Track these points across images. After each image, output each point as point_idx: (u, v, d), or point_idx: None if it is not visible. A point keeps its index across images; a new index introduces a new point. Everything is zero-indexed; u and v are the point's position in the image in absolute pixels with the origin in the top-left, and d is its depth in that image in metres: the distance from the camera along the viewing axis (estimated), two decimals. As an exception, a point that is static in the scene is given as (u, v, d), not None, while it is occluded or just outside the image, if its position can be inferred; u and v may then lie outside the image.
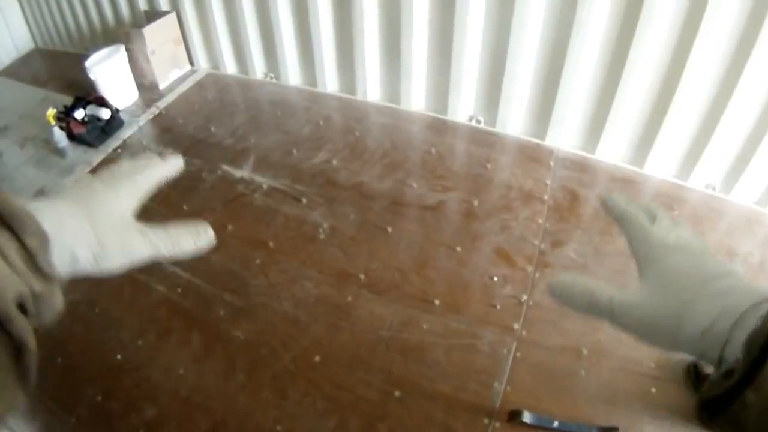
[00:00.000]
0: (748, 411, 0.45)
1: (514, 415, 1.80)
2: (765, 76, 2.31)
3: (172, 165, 0.77)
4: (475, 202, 2.62)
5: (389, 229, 2.50)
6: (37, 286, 0.53)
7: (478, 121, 3.17)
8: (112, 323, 2.30)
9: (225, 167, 3.02)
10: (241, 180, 2.91)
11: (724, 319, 0.49)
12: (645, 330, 0.54)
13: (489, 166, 2.83)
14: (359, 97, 3.50)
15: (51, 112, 3.41)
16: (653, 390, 1.88)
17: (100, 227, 0.61)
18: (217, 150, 3.18)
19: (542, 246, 2.39)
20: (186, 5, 3.81)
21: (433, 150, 2.96)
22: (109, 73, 3.66)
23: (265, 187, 2.84)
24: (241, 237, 2.57)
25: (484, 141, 3.04)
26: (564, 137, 2.94)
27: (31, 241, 0.53)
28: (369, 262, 2.37)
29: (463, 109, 3.17)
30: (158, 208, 2.77)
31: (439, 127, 3.18)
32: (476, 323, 2.10)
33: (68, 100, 3.60)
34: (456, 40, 2.87)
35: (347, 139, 3.13)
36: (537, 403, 1.85)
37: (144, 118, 3.62)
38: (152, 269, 2.47)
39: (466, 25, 2.78)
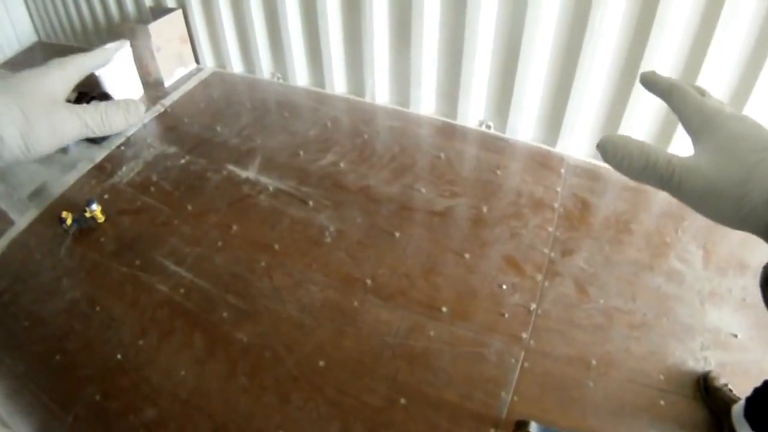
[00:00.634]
0: None
1: (521, 426, 1.81)
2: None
3: (102, 55, 0.77)
4: (485, 209, 2.64)
5: (397, 234, 2.53)
6: None
7: (488, 127, 3.20)
8: (113, 322, 2.33)
9: (230, 167, 3.05)
10: (247, 181, 2.94)
11: None
12: (708, 196, 0.50)
13: (499, 172, 2.86)
14: (367, 99, 3.53)
15: (53, 107, 3.43)
16: (662, 403, 1.90)
17: (28, 106, 0.62)
18: (222, 150, 3.21)
19: (552, 254, 2.41)
20: (192, 2, 3.85)
21: (442, 155, 2.99)
22: (114, 69, 3.69)
23: (271, 188, 2.87)
24: (245, 238, 2.60)
25: (494, 147, 3.07)
26: (575, 145, 2.96)
27: None
28: (376, 267, 2.40)
29: (473, 114, 3.20)
30: (162, 207, 2.81)
31: (449, 132, 3.21)
32: (484, 331, 2.12)
33: (71, 96, 3.62)
34: (467, 44, 2.90)
35: (355, 141, 3.16)
36: (544, 414, 1.87)
37: (148, 116, 3.65)
38: (155, 269, 2.51)
39: (478, 29, 2.81)
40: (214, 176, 3.00)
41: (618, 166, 0.54)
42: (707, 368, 1.98)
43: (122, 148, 3.38)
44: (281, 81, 3.86)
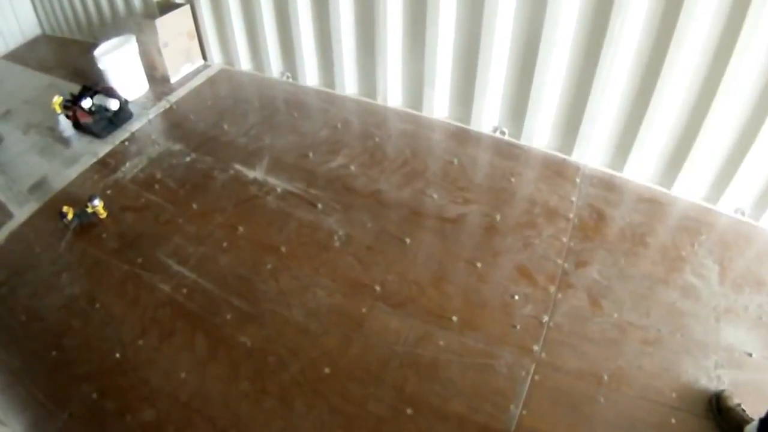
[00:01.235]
0: None
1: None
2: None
3: None
4: (498, 217, 2.65)
5: (407, 240, 2.54)
6: None
7: (503, 133, 3.21)
8: (112, 320, 2.33)
9: (237, 167, 3.07)
10: (254, 181, 2.96)
11: None
12: None
13: (513, 179, 2.87)
14: (379, 101, 3.55)
15: (57, 99, 3.48)
16: (673, 421, 1.90)
17: None
18: (229, 148, 3.23)
19: (565, 265, 2.41)
20: (202, -3, 3.89)
21: (455, 160, 3.00)
22: (119, 63, 3.73)
23: (278, 189, 2.88)
24: (252, 240, 2.61)
25: (509, 153, 3.09)
26: (591, 153, 2.97)
27: None
28: (385, 273, 2.41)
29: (488, 119, 3.22)
30: (166, 205, 2.82)
31: (462, 137, 3.23)
32: (494, 342, 2.13)
33: (75, 88, 3.68)
34: (483, 47, 2.92)
35: (366, 144, 3.18)
36: (553, 429, 1.87)
37: (154, 112, 3.68)
38: (157, 268, 2.52)
39: (495, 31, 2.83)
40: (220, 175, 3.02)
41: None
42: (720, 387, 1.97)
43: (126, 143, 3.40)
44: (290, 80, 3.88)
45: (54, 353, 2.24)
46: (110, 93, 3.57)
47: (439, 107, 3.36)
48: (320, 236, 2.60)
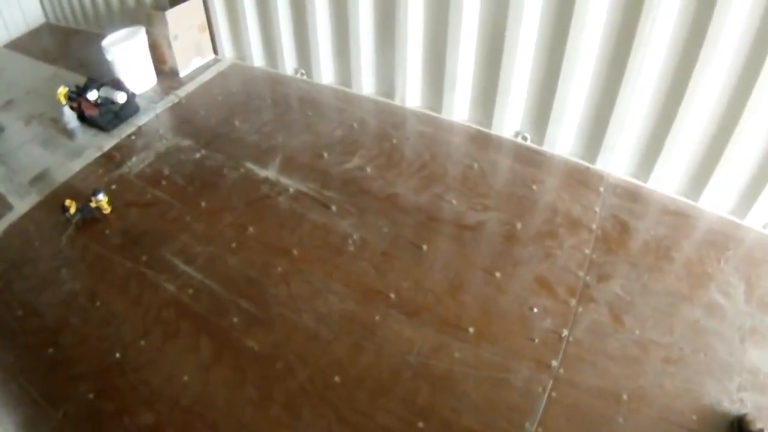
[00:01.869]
0: None
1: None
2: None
3: None
4: (518, 225, 2.65)
5: (424, 247, 2.54)
6: None
7: (525, 138, 3.21)
8: (113, 318, 2.34)
9: (249, 165, 3.08)
10: (266, 180, 2.97)
11: None
12: None
13: (534, 187, 2.87)
14: (397, 102, 3.56)
15: (62, 90, 3.51)
16: (694, 444, 1.89)
17: None
18: (240, 146, 3.25)
19: (587, 278, 2.40)
20: (214, -11, 3.92)
21: (475, 165, 3.01)
22: (127, 55, 3.77)
23: (291, 190, 2.89)
24: (262, 241, 2.62)
25: (530, 160, 3.08)
26: (616, 162, 2.96)
27: None
28: (400, 280, 2.41)
29: (509, 123, 3.22)
30: (174, 202, 2.84)
31: (483, 141, 3.23)
32: (511, 356, 2.12)
33: (79, 79, 3.69)
34: (507, 50, 2.92)
35: (383, 146, 3.19)
36: (570, 449, 1.87)
37: (162, 106, 3.71)
38: (162, 266, 2.53)
39: (519, 35, 2.83)
40: (230, 173, 3.04)
41: None
42: (743, 411, 1.95)
43: (132, 137, 3.43)
44: (305, 77, 3.90)
45: (50, 350, 2.25)
46: (117, 85, 3.59)
47: (459, 109, 3.36)
48: (334, 240, 2.60)
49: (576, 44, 2.71)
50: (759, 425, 1.87)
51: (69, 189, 3.03)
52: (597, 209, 2.73)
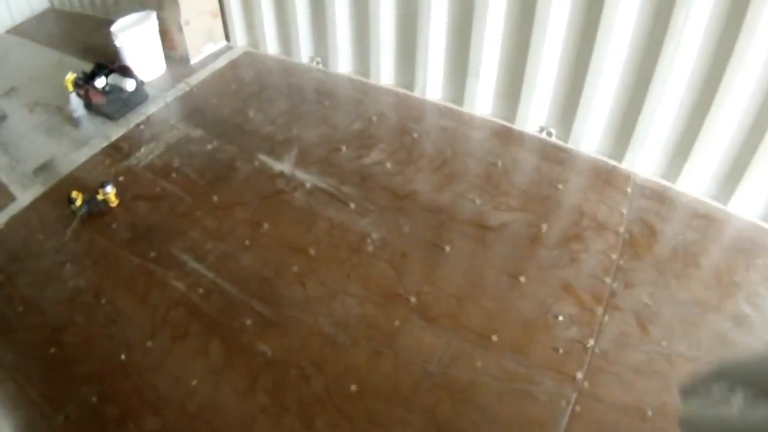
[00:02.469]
0: None
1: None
2: None
3: None
4: (544, 227, 2.60)
5: (447, 249, 2.49)
6: None
7: (549, 134, 3.17)
8: (119, 318, 2.32)
9: (263, 158, 3.05)
10: (281, 175, 2.94)
11: None
12: None
13: (560, 186, 2.82)
14: (417, 93, 3.52)
15: (70, 77, 3.49)
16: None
17: None
18: (254, 138, 3.22)
19: (614, 285, 2.35)
20: (227, -27, 3.89)
21: (499, 162, 2.96)
22: (137, 41, 3.74)
23: (307, 185, 2.86)
24: (277, 239, 2.59)
25: (555, 157, 3.04)
26: (643, 161, 2.91)
27: None
28: (422, 283, 2.36)
29: (534, 118, 3.17)
30: (184, 196, 2.81)
31: (506, 136, 3.18)
32: (535, 367, 2.08)
33: (85, 66, 3.68)
34: (534, 42, 2.88)
35: (403, 140, 3.14)
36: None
37: (172, 94, 3.68)
38: (171, 263, 2.51)
39: (547, 23, 2.78)
40: (244, 166, 3.00)
41: None
42: None
43: (141, 127, 3.40)
44: (321, 67, 3.86)
45: (52, 350, 2.24)
46: (126, 72, 3.57)
47: (482, 102, 3.32)
48: (352, 239, 2.57)
49: (606, 35, 2.65)
50: None
51: (74, 180, 3.01)
52: (624, 211, 2.69)
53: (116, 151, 3.21)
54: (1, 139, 3.47)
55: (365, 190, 2.81)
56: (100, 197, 2.73)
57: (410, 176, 2.88)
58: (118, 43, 3.67)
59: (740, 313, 2.27)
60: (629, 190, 2.81)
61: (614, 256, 2.47)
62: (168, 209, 2.78)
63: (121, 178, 2.97)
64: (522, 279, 2.37)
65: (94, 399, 2.05)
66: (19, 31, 5.06)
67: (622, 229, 2.59)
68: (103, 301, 2.38)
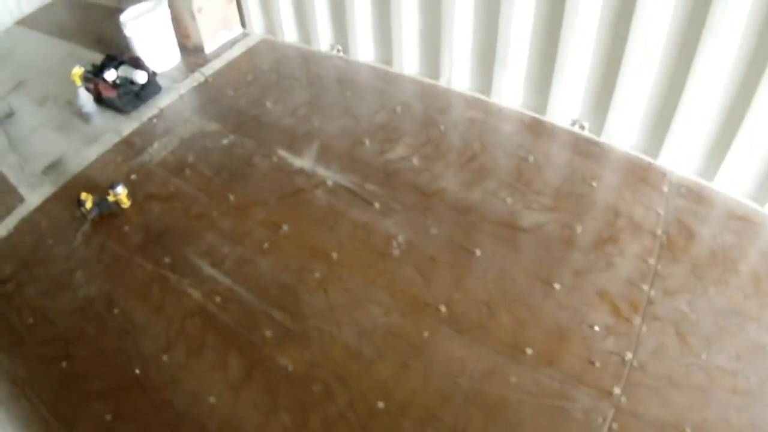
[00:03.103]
0: None
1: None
2: None
3: None
4: (578, 229, 2.51)
5: (477, 252, 2.41)
6: None
7: (582, 127, 3.08)
8: (133, 329, 2.28)
9: (282, 153, 2.98)
10: (301, 171, 2.87)
11: None
12: None
13: (594, 184, 2.73)
14: (443, 83, 3.43)
15: (77, 71, 3.44)
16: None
17: None
18: (273, 130, 3.15)
19: (652, 293, 2.26)
20: (243, -43, 3.83)
21: (531, 158, 2.86)
22: (148, 30, 3.68)
23: (329, 182, 2.79)
24: (297, 242, 2.53)
25: (588, 152, 2.94)
26: (680, 158, 2.82)
27: None
28: (451, 290, 2.29)
29: (566, 110, 3.08)
30: (199, 195, 2.76)
31: (537, 130, 3.09)
32: (571, 381, 2.00)
33: (96, 58, 3.62)
34: (565, 28, 2.78)
35: (430, 133, 3.05)
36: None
37: (186, 86, 3.63)
38: (187, 269, 2.45)
39: (578, 10, 2.69)
40: (262, 162, 2.94)
41: None
42: None
43: (154, 121, 3.36)
44: (341, 54, 3.79)
45: (64, 364, 2.21)
46: (137, 64, 3.51)
47: (511, 93, 3.23)
48: (376, 241, 2.49)
49: (642, 23, 2.56)
50: None
51: (85, 179, 2.97)
52: (661, 211, 2.59)
53: (128, 147, 3.17)
54: (10, 136, 3.44)
55: (390, 187, 2.73)
56: (111, 199, 2.69)
57: (438, 172, 2.80)
58: (127, 32, 3.61)
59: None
60: (665, 188, 2.72)
61: (651, 261, 2.39)
62: (182, 210, 2.74)
63: (133, 176, 2.93)
64: (557, 286, 2.30)
65: (108, 417, 2.02)
66: (27, 22, 5.02)
67: (659, 231, 2.50)
68: (116, 310, 2.34)
